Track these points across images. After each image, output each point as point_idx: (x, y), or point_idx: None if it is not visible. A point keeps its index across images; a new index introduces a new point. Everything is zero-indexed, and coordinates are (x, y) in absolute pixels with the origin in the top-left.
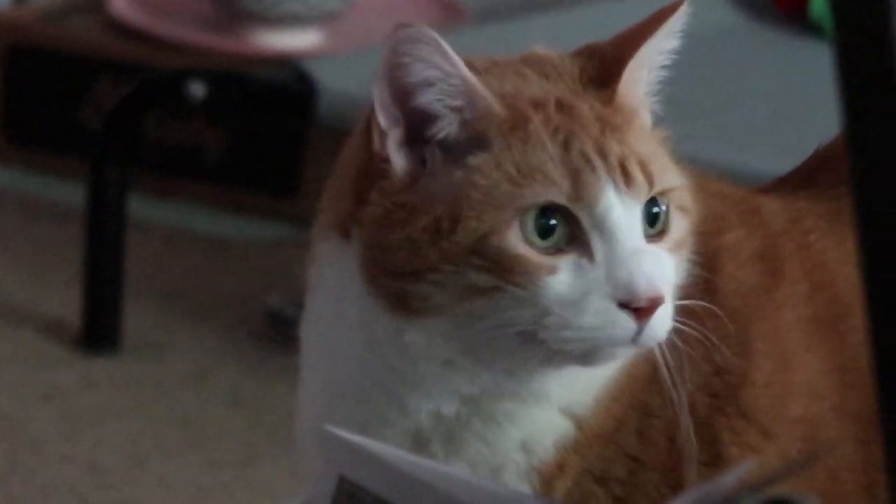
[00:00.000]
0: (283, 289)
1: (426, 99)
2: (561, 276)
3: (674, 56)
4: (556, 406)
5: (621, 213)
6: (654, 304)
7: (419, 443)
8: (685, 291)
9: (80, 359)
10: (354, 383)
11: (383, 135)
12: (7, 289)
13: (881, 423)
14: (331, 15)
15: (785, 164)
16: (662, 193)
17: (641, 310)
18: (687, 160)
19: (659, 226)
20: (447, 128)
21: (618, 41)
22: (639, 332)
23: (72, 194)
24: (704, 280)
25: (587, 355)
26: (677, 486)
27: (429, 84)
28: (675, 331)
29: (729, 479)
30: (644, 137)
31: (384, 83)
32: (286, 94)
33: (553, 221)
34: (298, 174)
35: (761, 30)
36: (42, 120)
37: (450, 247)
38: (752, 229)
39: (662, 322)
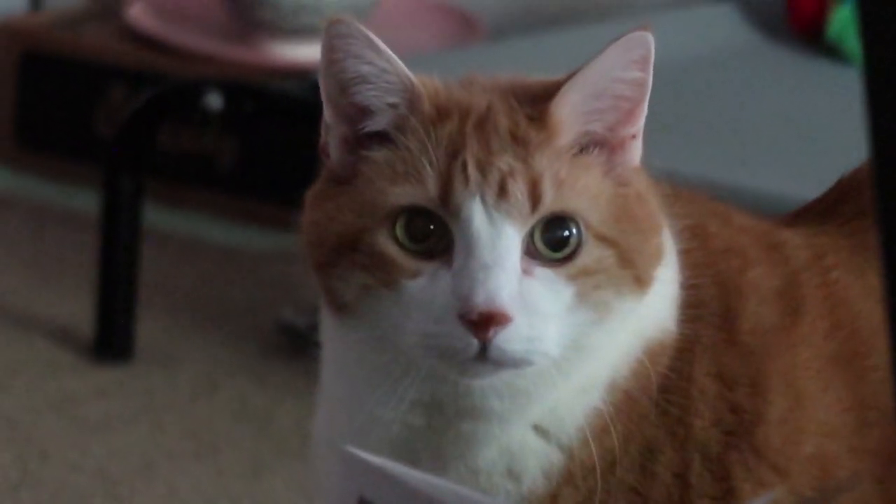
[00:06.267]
0: (294, 300)
1: (362, 95)
2: (420, 281)
3: (639, 87)
4: (525, 427)
5: (484, 225)
6: (489, 320)
7: (409, 456)
8: (700, 323)
9: (91, 367)
10: (340, 390)
11: (327, 127)
12: (19, 295)
13: None
14: None
15: (800, 186)
16: (572, 218)
17: (478, 325)
18: (702, 183)
19: (567, 250)
20: (380, 122)
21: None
22: (483, 349)
23: (85, 201)
24: (721, 313)
25: (440, 365)
26: None
27: (363, 80)
28: (686, 367)
29: None
30: (562, 159)
31: (325, 78)
32: (301, 105)
33: (429, 226)
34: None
35: (776, 49)
36: (55, 126)
37: (339, 241)
38: (774, 266)
39: (512, 342)
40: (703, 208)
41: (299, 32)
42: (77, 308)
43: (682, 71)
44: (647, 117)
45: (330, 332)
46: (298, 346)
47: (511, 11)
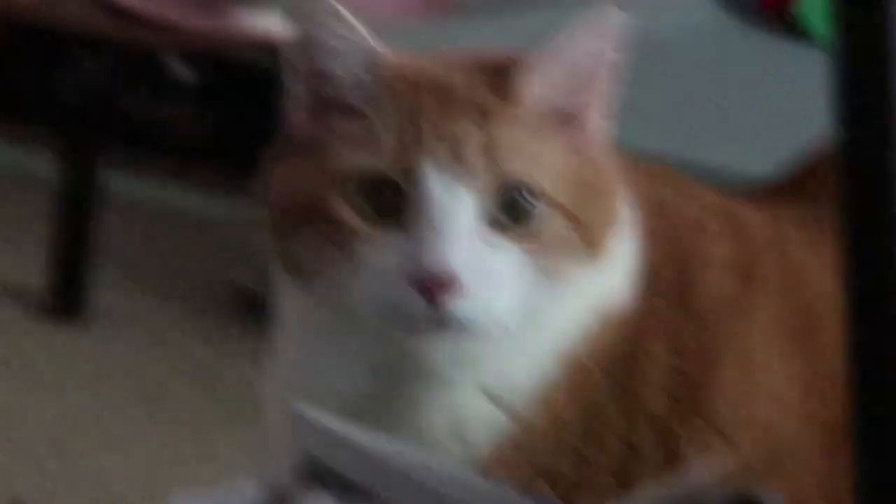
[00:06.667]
0: (247, 263)
1: (324, 62)
2: (375, 246)
3: (606, 63)
4: (473, 391)
5: (439, 191)
6: (441, 285)
7: (358, 417)
8: (656, 294)
9: (44, 327)
10: (292, 353)
11: (288, 93)
12: None
13: (855, 432)
14: None
15: (766, 164)
16: (528, 187)
17: (430, 289)
18: (668, 160)
19: (522, 218)
20: (340, 90)
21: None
22: (436, 314)
23: (42, 164)
24: (678, 284)
25: (392, 329)
26: (628, 485)
27: (328, 47)
28: (638, 337)
29: (692, 476)
30: (522, 129)
31: (293, 48)
32: (265, 74)
33: (385, 191)
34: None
35: (744, 30)
36: (19, 91)
37: (297, 206)
38: (732, 240)
39: (464, 308)
40: (664, 182)
41: (265, 2)
42: (31, 268)
43: (647, 48)
44: (612, 94)
45: (284, 294)
46: (250, 308)
47: None
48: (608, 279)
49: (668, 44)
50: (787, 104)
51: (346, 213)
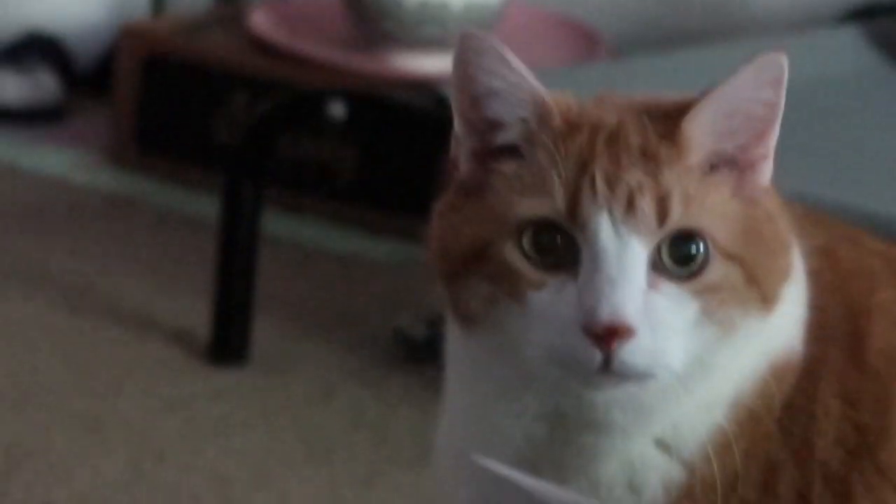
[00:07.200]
0: (411, 310)
1: (493, 109)
2: (545, 293)
3: (771, 108)
4: (646, 441)
5: (611, 239)
6: (613, 333)
7: (531, 466)
8: (826, 343)
9: (207, 370)
10: (464, 402)
11: (457, 140)
12: (137, 297)
13: None
14: None
15: None
16: (699, 235)
17: (602, 338)
18: (829, 207)
19: (693, 266)
20: (510, 136)
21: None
22: (607, 362)
23: (203, 206)
24: (849, 334)
25: (564, 378)
26: None
27: (495, 94)
28: (811, 387)
29: None
30: (692, 176)
31: (456, 92)
32: (422, 116)
33: (556, 239)
34: (432, 196)
35: None
36: (177, 131)
37: (467, 252)
38: None
39: (638, 356)
40: (834, 231)
41: (422, 43)
42: (194, 311)
43: (806, 93)
44: (776, 139)
45: (455, 343)
46: (414, 356)
47: (634, 29)
48: (779, 328)
49: (826, 88)
50: None
51: (516, 259)
